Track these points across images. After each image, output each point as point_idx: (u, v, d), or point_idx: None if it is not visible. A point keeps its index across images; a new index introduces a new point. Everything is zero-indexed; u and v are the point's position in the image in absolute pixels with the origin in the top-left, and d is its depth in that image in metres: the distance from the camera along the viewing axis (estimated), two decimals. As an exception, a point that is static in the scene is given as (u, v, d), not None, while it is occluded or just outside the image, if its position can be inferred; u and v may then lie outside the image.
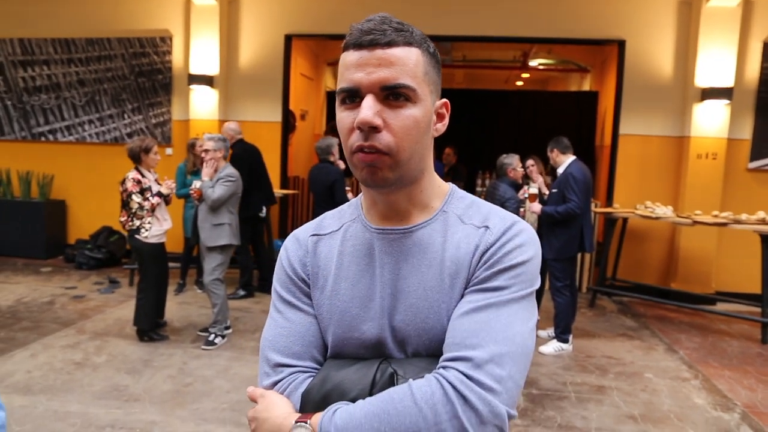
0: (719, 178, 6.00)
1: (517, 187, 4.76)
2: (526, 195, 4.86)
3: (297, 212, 8.00)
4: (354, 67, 0.82)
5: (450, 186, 0.96)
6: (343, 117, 0.85)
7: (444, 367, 0.77)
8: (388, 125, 0.81)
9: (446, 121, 0.91)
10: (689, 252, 6.09)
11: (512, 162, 4.71)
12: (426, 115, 0.85)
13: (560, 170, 4.48)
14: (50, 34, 6.97)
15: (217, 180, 4.23)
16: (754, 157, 6.07)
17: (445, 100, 0.91)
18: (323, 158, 4.86)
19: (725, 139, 5.99)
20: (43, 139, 7.12)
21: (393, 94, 0.81)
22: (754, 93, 6.01)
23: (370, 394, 0.79)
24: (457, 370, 0.75)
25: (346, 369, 0.85)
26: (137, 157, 4.26)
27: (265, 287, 5.77)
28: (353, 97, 0.83)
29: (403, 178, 0.85)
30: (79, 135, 7.04)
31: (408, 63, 0.82)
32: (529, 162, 5.23)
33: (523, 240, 0.85)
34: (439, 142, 7.47)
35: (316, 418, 0.78)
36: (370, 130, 0.81)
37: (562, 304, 4.42)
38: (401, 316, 0.86)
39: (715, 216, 5.30)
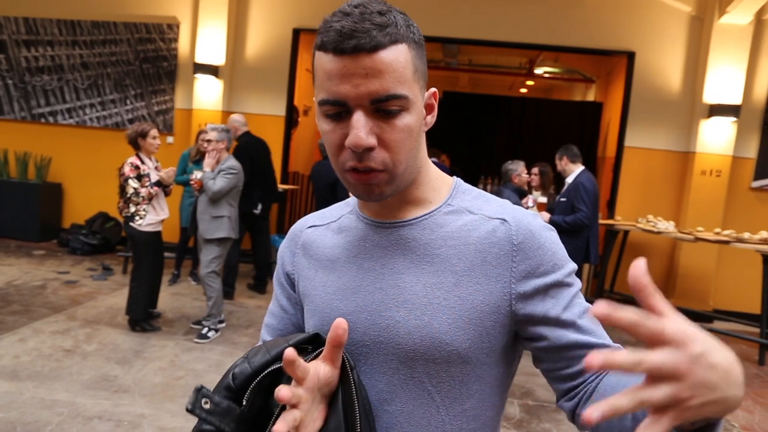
0: (722, 196, 5.97)
1: (522, 194, 4.72)
2: (530, 204, 4.82)
3: (296, 208, 7.94)
4: (337, 77, 0.73)
5: (454, 179, 0.90)
6: (329, 131, 0.77)
7: None
8: (382, 141, 0.74)
9: (435, 111, 0.84)
10: (689, 269, 6.06)
11: (517, 168, 4.67)
12: (419, 118, 0.79)
13: (569, 179, 4.44)
14: (56, 15, 6.88)
15: (219, 172, 4.16)
16: (758, 176, 6.05)
17: (433, 90, 0.83)
18: (326, 155, 4.82)
19: (730, 157, 5.96)
20: (42, 120, 7.03)
21: (384, 106, 0.74)
22: (762, 112, 5.99)
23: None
24: None
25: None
26: (135, 143, 4.20)
27: (260, 287, 5.63)
28: (339, 110, 0.75)
29: (399, 188, 0.80)
30: (79, 118, 6.95)
31: (397, 67, 0.73)
32: (534, 170, 5.20)
33: (548, 230, 0.84)
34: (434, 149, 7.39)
35: None
36: (364, 151, 0.74)
37: None
38: (391, 312, 0.80)
39: (718, 233, 5.27)
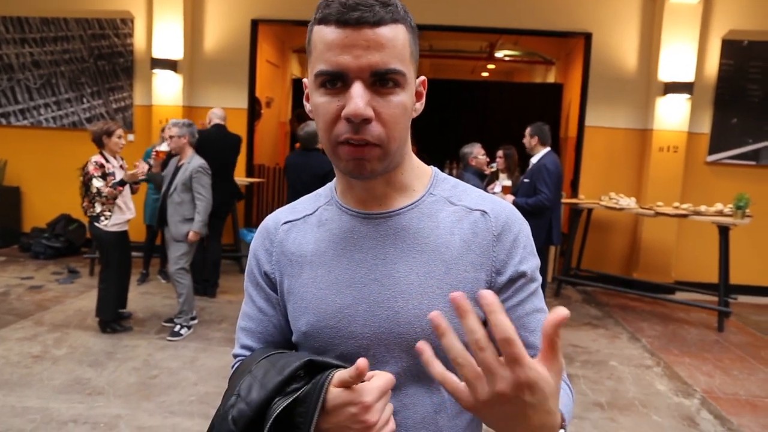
0: (680, 171, 6.17)
1: (481, 176, 4.79)
2: (496, 189, 4.90)
3: (263, 201, 7.88)
4: (338, 47, 0.73)
5: (432, 168, 0.92)
6: (323, 103, 0.76)
7: None
8: (379, 115, 0.75)
9: (423, 99, 0.86)
10: (650, 242, 6.25)
11: (473, 151, 4.76)
12: (411, 99, 0.80)
13: (533, 159, 4.52)
14: (1, 12, 6.63)
15: (189, 176, 4.11)
16: (712, 150, 6.26)
17: (423, 78, 0.86)
18: (310, 147, 4.55)
19: (686, 133, 6.16)
20: (-5, 122, 6.79)
21: (382, 80, 0.74)
22: (713, 88, 6.19)
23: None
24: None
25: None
26: (99, 141, 4.11)
27: (207, 289, 5.25)
28: (336, 81, 0.74)
29: (388, 167, 0.81)
30: (34, 119, 6.74)
31: (397, 44, 0.75)
32: (498, 153, 5.27)
33: (523, 223, 0.88)
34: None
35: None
36: (361, 122, 0.74)
37: None
38: (390, 303, 0.81)
39: (676, 207, 5.45)
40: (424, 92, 0.86)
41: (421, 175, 0.89)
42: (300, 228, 0.90)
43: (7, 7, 6.62)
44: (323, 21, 0.75)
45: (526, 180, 4.48)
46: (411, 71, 0.79)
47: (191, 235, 4.14)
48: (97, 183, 4.00)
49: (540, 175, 4.34)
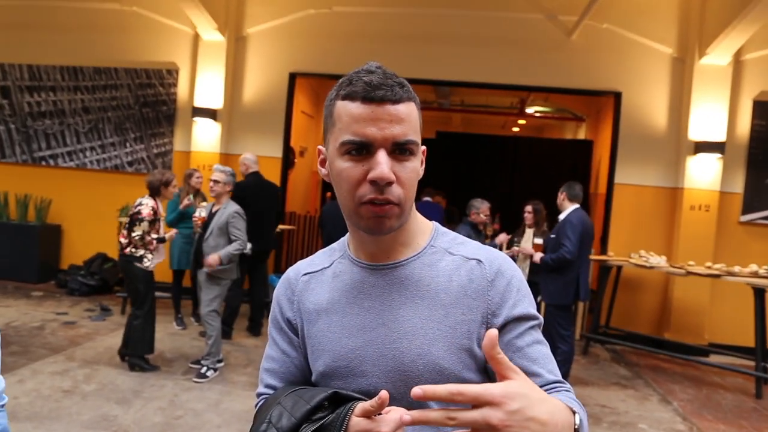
0: (712, 230, 6.09)
1: (476, 229, 5.08)
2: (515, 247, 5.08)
3: (293, 248, 8.01)
4: (365, 120, 0.85)
5: (433, 223, 1.02)
6: (348, 168, 0.87)
7: (565, 390, 0.91)
8: (398, 178, 0.86)
9: (424, 165, 0.98)
10: (682, 302, 6.12)
11: (479, 207, 5.10)
12: (419, 164, 0.92)
13: (561, 216, 4.53)
14: (59, 62, 7.08)
15: (226, 221, 4.25)
16: (745, 210, 6.18)
17: (424, 147, 0.97)
18: None
19: (717, 192, 6.11)
20: (43, 163, 7.14)
21: (401, 149, 0.86)
22: (745, 148, 6.16)
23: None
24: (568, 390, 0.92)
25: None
26: (157, 190, 4.29)
27: (255, 328, 5.55)
28: (362, 149, 0.86)
29: (402, 223, 0.91)
30: (80, 161, 7.07)
31: (412, 119, 0.88)
32: (527, 208, 5.31)
33: (515, 269, 0.96)
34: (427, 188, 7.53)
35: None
36: (386, 184, 0.85)
37: (567, 352, 4.41)
38: (395, 344, 0.90)
39: (709, 267, 5.35)
40: (424, 159, 0.98)
41: (424, 230, 0.99)
42: (318, 279, 1.01)
43: (64, 57, 7.07)
44: (348, 97, 0.87)
45: (552, 236, 4.50)
46: (419, 141, 0.92)
47: (210, 258, 4.17)
48: (145, 227, 4.16)
49: (563, 230, 4.36)
